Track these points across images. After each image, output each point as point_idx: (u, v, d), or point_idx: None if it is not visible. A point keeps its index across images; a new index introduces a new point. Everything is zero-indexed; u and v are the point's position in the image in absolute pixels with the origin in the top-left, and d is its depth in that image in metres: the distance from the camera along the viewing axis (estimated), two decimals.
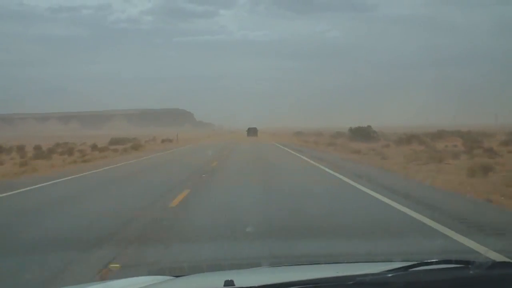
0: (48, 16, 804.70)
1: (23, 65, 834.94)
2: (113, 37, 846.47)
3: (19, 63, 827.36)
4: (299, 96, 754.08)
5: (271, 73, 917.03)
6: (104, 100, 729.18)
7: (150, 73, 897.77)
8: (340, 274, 2.46)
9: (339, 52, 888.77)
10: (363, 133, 58.45)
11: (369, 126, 61.30)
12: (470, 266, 2.41)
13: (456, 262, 2.57)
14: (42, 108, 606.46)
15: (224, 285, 2.33)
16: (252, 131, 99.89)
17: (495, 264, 2.43)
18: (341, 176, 17.37)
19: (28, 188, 15.97)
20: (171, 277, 3.02)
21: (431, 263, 2.54)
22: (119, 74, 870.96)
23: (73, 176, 19.74)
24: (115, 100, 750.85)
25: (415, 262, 2.56)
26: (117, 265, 6.29)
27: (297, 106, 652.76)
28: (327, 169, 20.44)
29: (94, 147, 48.92)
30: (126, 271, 5.82)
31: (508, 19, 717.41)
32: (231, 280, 2.35)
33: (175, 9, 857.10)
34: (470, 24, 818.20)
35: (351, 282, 2.23)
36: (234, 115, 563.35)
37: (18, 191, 15.23)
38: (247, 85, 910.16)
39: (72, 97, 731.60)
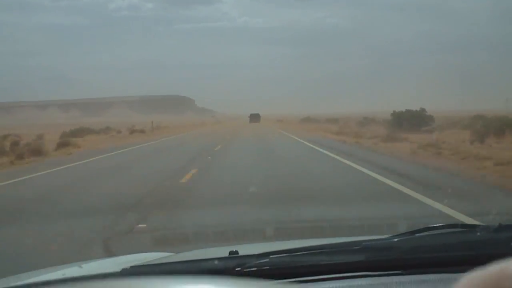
0: (48, 5, 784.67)
1: (23, 55, 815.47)
2: (114, 24, 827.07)
3: (20, 53, 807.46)
4: (300, 82, 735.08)
5: (272, 59, 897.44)
6: (105, 88, 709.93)
7: (151, 60, 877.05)
8: (345, 240, 2.50)
9: (339, 38, 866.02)
10: (414, 119, 39.98)
11: (422, 109, 42.58)
12: (476, 229, 2.31)
13: (462, 226, 2.50)
14: (43, 96, 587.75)
15: (229, 255, 2.30)
16: (254, 118, 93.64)
17: (502, 227, 2.26)
18: None
19: None
20: (173, 254, 2.88)
21: (437, 228, 2.40)
22: (120, 62, 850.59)
23: None
24: (116, 88, 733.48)
25: (421, 228, 2.39)
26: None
27: (299, 93, 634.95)
28: None
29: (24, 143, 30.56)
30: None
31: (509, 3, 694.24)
32: (235, 251, 2.33)
33: None
34: (471, 8, 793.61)
35: (357, 247, 2.20)
36: (236, 101, 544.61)
37: None
38: (249, 71, 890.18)
39: (73, 85, 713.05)
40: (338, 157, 16.87)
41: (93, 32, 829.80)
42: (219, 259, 2.17)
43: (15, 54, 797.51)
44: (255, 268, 2.07)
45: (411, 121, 39.76)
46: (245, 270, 2.06)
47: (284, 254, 2.16)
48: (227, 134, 43.25)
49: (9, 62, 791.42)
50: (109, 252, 5.72)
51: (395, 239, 2.28)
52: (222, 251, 2.38)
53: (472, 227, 2.40)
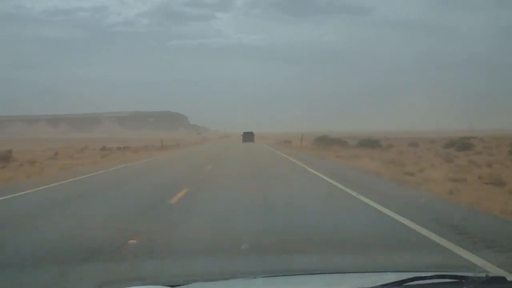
0: (44, 19, 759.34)
1: (18, 68, 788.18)
2: (109, 39, 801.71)
3: (14, 66, 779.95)
4: (297, 100, 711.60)
5: (268, 77, 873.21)
6: (98, 103, 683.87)
7: (145, 76, 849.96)
8: (333, 286, 2.38)
9: (336, 56, 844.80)
10: None
11: None
12: (463, 281, 2.28)
13: (450, 277, 2.42)
14: (34, 110, 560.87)
15: None
16: (247, 136, 79.48)
17: (489, 279, 2.28)
18: None
19: None
20: (166, 287, 2.88)
21: (425, 278, 2.39)
22: (114, 77, 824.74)
23: None
24: (109, 103, 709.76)
25: (409, 276, 2.40)
26: None
27: (295, 110, 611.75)
28: None
29: None
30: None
31: (507, 23, 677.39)
32: None
33: (172, 12, 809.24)
34: (468, 27, 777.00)
35: None
36: (230, 119, 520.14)
37: None
38: (244, 89, 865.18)
39: (64, 100, 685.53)
40: None
41: (87, 47, 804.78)
42: None
43: (7, 67, 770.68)
44: None
45: None
46: None
47: None
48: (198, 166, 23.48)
49: (2, 76, 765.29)
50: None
51: None
52: None
53: (460, 278, 2.32)
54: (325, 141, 54.57)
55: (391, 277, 2.54)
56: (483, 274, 2.33)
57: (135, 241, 6.86)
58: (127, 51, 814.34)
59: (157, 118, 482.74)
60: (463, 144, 36.39)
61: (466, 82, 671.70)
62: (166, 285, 2.90)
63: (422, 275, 2.38)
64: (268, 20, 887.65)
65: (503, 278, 2.36)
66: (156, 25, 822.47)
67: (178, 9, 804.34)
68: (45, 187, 15.25)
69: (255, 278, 3.59)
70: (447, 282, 2.31)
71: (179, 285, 2.89)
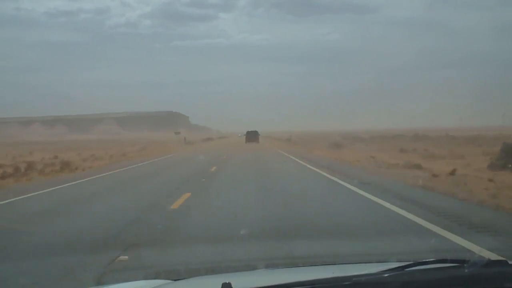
0: (45, 21, 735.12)
1: (18, 71, 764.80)
2: (111, 41, 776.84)
3: (15, 69, 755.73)
4: (300, 100, 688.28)
5: (271, 77, 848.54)
6: (99, 104, 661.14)
7: (147, 77, 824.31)
8: (336, 274, 2.30)
9: (340, 55, 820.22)
10: None
11: None
12: (465, 265, 2.22)
13: (452, 261, 2.38)
14: (33, 112, 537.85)
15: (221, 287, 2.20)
16: (251, 136, 69.07)
17: (490, 263, 2.23)
18: None
19: None
20: (169, 281, 2.88)
21: (427, 263, 2.37)
22: (116, 78, 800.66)
23: None
24: (110, 104, 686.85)
25: (411, 262, 2.38)
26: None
27: (299, 110, 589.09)
28: None
29: None
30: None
31: (510, 21, 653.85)
32: (228, 283, 2.19)
33: (174, 13, 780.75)
34: (471, 26, 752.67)
35: (347, 283, 2.11)
36: (233, 118, 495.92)
37: None
38: (247, 89, 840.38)
39: (65, 101, 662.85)
40: None
41: (89, 48, 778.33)
42: None
43: (9, 70, 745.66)
44: None
45: None
46: None
47: None
48: None
49: (3, 79, 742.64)
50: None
51: (386, 275, 2.16)
52: (215, 281, 2.27)
53: (462, 262, 2.27)
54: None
55: (393, 264, 2.55)
56: (484, 258, 2.29)
57: None
58: (131, 53, 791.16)
59: (157, 119, 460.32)
60: None
61: (462, 79, 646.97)
62: (167, 279, 2.90)
63: (424, 260, 2.34)
64: (271, 20, 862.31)
65: (505, 261, 2.29)
66: (158, 26, 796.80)
67: (180, 10, 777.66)
68: None
69: (256, 270, 3.87)
70: (448, 267, 2.26)
71: (180, 279, 2.89)
